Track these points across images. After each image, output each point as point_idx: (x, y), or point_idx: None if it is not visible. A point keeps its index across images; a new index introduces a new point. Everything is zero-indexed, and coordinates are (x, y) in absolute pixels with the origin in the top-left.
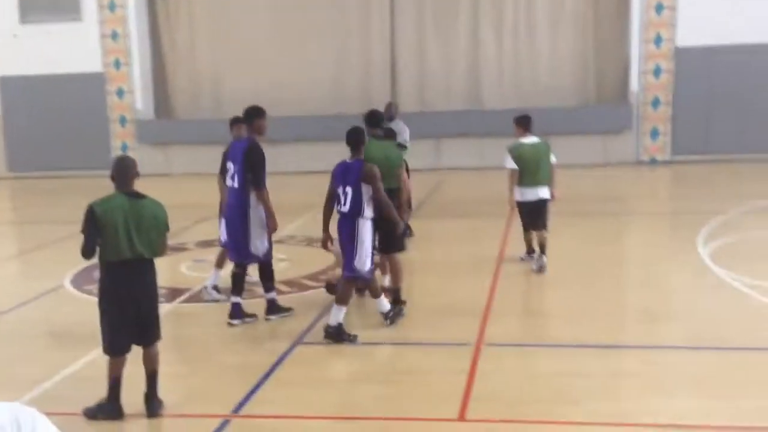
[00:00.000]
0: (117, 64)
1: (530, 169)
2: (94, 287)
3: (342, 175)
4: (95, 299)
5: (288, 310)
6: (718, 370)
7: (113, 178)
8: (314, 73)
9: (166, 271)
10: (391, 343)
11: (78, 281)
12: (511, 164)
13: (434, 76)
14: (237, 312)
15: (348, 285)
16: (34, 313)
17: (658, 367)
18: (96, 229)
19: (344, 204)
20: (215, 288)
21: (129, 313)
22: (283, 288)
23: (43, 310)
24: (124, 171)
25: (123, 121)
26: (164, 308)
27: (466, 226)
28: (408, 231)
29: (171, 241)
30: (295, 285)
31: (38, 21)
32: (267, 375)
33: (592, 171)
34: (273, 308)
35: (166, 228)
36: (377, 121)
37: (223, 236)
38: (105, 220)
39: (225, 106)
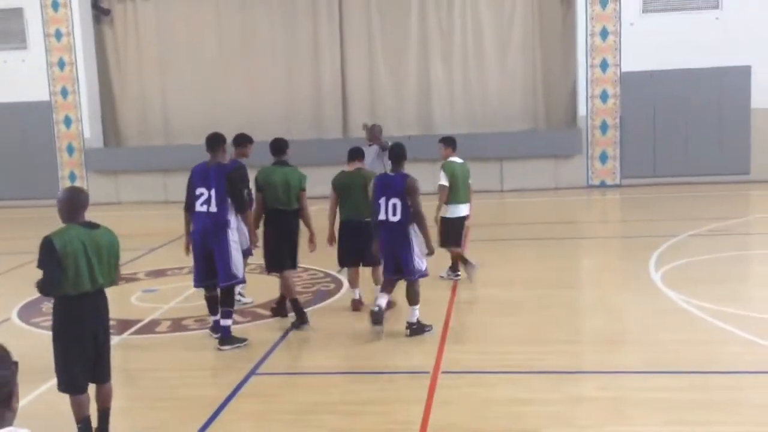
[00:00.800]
0: (64, 93)
1: (460, 187)
2: (43, 320)
3: (384, 187)
4: (44, 332)
5: (243, 340)
6: (674, 395)
7: (63, 210)
8: (264, 100)
9: (115, 302)
10: (347, 372)
11: (25, 314)
12: (445, 181)
13: (385, 101)
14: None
15: (416, 285)
16: None
17: (615, 392)
18: (57, 262)
19: (394, 214)
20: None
21: (88, 347)
22: (237, 318)
23: None
24: (76, 202)
25: (71, 149)
26: (114, 340)
27: None
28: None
29: (121, 272)
30: (248, 314)
31: None
32: (222, 407)
33: (544, 195)
34: (227, 339)
35: (119, 256)
36: (280, 148)
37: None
38: (65, 252)
39: (174, 134)
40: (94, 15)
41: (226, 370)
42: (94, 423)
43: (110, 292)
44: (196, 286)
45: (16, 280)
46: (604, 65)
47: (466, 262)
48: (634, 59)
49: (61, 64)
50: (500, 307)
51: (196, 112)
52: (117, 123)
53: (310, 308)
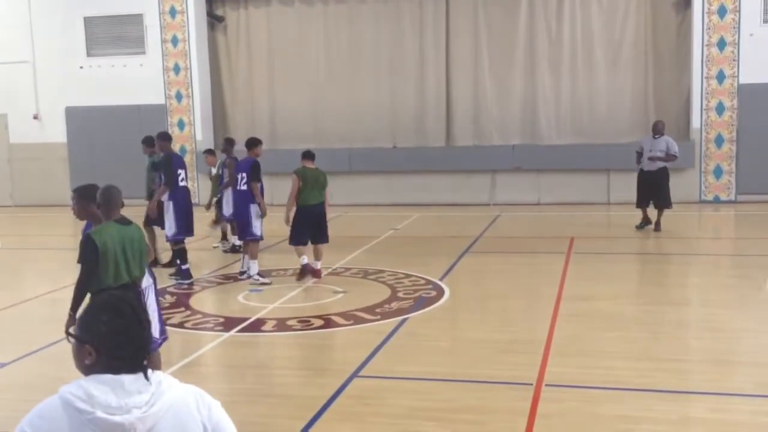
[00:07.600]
0: (179, 97)
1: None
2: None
3: None
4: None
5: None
6: None
7: (100, 206)
8: (369, 107)
9: (223, 300)
10: (449, 379)
11: None
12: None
13: (489, 110)
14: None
15: None
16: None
17: (727, 415)
18: (97, 259)
19: None
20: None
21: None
22: (339, 320)
23: None
24: (113, 200)
25: (183, 151)
26: (222, 337)
27: (522, 262)
28: None
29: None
30: (351, 318)
31: (104, 54)
32: (325, 408)
33: (652, 209)
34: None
35: (144, 250)
36: (160, 139)
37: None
38: (104, 249)
39: (279, 139)
40: (209, 22)
41: (329, 371)
42: None
43: (219, 291)
44: (181, 237)
45: None
46: (720, 77)
47: None
48: (753, 71)
49: (177, 69)
50: (605, 321)
51: (301, 119)
52: (227, 126)
53: (411, 315)
